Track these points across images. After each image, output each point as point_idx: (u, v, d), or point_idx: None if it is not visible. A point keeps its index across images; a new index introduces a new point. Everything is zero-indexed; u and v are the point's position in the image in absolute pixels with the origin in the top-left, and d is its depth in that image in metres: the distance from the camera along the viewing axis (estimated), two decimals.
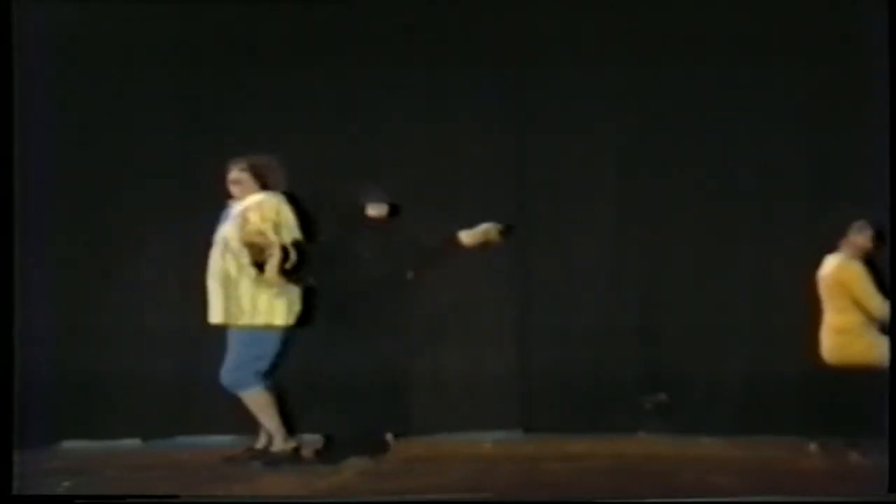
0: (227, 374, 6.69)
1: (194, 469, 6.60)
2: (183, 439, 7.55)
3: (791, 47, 7.57)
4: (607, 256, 7.80)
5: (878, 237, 6.80)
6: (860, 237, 6.89)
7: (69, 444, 7.49)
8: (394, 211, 6.98)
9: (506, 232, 6.95)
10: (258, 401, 6.70)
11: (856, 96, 7.25)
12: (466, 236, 6.86)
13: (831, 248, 6.95)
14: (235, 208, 6.81)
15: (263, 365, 6.74)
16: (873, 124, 6.56)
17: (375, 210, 6.97)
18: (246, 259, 6.65)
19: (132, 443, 7.58)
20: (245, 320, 6.68)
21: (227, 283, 6.69)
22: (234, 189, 6.85)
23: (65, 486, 5.91)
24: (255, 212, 6.71)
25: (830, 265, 6.91)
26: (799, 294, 7.02)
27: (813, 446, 6.92)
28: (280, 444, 6.74)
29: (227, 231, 6.75)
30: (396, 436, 7.35)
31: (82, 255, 7.66)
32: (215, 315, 6.74)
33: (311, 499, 5.67)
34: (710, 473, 6.15)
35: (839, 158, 7.50)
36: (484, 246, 6.94)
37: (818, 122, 7.62)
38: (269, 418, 6.75)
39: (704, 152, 7.72)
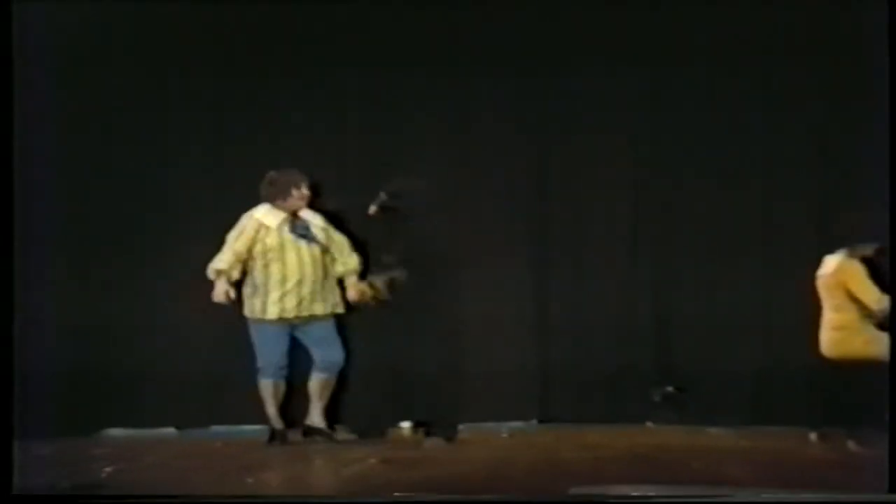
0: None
1: (228, 457, 6.74)
2: (216, 429, 7.71)
3: (797, 50, 7.64)
4: (623, 255, 7.89)
5: (881, 252, 6.81)
6: (866, 247, 6.94)
7: (111, 433, 7.70)
8: (386, 210, 7.26)
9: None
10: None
11: (859, 97, 7.29)
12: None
13: (835, 248, 7.00)
14: (312, 221, 7.38)
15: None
16: (876, 125, 6.46)
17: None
18: None
19: (168, 432, 7.76)
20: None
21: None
22: (300, 203, 7.35)
23: (106, 472, 6.00)
24: (338, 240, 7.42)
25: (830, 264, 6.96)
26: (804, 293, 7.08)
27: (813, 436, 7.02)
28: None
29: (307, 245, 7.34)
30: (417, 426, 7.61)
31: (118, 252, 7.81)
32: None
33: (332, 491, 5.70)
34: (721, 463, 6.20)
35: (845, 160, 7.54)
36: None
37: (825, 123, 7.68)
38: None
39: (716, 153, 7.80)
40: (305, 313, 7.36)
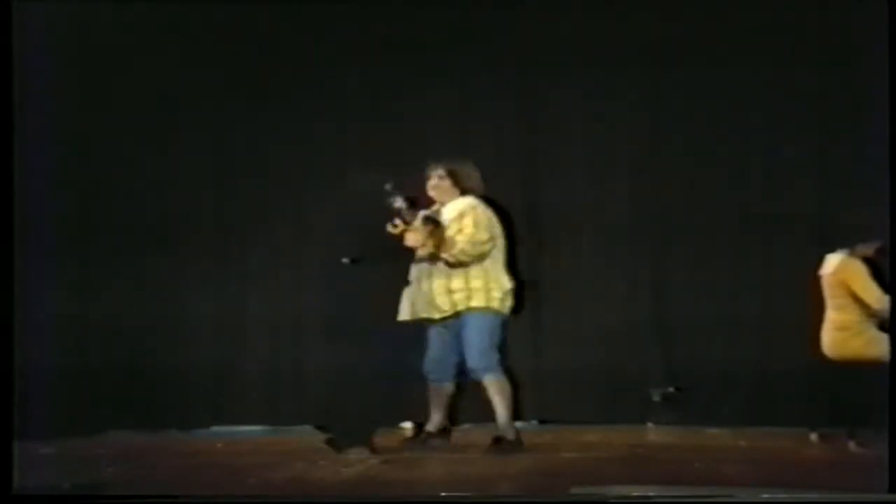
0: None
1: (229, 457, 6.77)
2: (217, 429, 7.75)
3: (796, 50, 7.69)
4: (621, 255, 7.92)
5: (881, 252, 6.82)
6: (866, 247, 6.94)
7: (112, 433, 7.71)
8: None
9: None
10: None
11: (859, 97, 7.30)
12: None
13: (835, 248, 7.01)
14: (443, 213, 6.85)
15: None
16: (876, 125, 6.43)
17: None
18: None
19: (169, 432, 7.78)
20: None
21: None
22: (433, 193, 6.91)
23: (107, 472, 6.06)
24: (468, 217, 6.77)
25: (832, 264, 6.97)
26: (804, 292, 7.10)
27: (814, 436, 7.04)
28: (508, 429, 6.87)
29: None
30: (421, 427, 7.63)
31: (119, 252, 7.86)
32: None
33: (333, 491, 5.68)
34: (721, 463, 6.21)
35: (845, 159, 7.57)
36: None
37: (824, 124, 7.71)
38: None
39: (714, 153, 7.86)
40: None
